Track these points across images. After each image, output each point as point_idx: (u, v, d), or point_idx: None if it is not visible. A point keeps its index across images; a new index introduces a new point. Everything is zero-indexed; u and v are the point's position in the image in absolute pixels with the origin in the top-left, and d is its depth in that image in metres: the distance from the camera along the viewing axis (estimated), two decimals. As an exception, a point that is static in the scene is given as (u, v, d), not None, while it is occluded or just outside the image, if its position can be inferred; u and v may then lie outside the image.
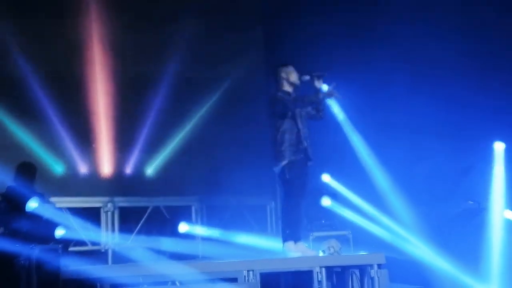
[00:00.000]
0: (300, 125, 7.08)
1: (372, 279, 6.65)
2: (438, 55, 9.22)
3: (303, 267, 6.55)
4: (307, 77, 7.24)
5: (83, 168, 9.07)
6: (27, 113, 8.57)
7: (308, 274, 6.49)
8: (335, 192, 9.22)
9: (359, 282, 6.92)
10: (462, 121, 9.10)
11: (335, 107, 9.16)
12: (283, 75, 7.24)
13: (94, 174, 9.11)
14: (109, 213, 8.83)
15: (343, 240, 8.32)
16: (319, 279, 6.45)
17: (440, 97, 9.18)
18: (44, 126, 8.68)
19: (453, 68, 9.22)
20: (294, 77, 7.24)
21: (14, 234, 6.64)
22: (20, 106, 8.56)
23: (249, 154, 9.58)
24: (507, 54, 9.15)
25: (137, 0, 9.53)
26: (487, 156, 9.34)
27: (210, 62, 9.84)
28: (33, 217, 7.14)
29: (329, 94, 7.18)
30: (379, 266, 6.67)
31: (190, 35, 9.59)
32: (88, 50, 9.01)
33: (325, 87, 7.24)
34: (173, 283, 6.36)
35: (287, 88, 7.24)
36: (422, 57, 9.20)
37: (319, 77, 7.20)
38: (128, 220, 9.05)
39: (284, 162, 7.03)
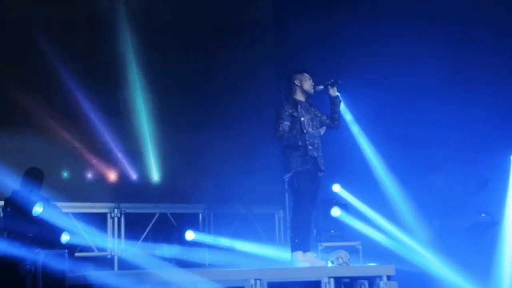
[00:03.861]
0: (308, 136, 6.98)
1: (381, 290, 6.57)
2: (455, 64, 9.16)
3: (311, 277, 6.49)
4: (321, 87, 7.17)
5: (90, 174, 9.02)
6: (32, 118, 8.52)
7: (316, 284, 6.43)
8: (345, 203, 9.14)
9: (367, 293, 6.85)
10: (478, 132, 9.04)
11: (348, 117, 9.11)
12: (297, 82, 7.16)
13: (101, 179, 9.07)
14: (116, 219, 8.78)
15: (352, 251, 8.25)
16: (328, 290, 6.38)
17: (456, 108, 9.11)
18: (51, 131, 8.63)
19: (470, 78, 9.16)
20: (308, 85, 7.15)
21: (20, 239, 6.58)
22: (31, 110, 8.53)
23: (258, 162, 9.54)
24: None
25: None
26: (503, 169, 9.26)
27: (220, 72, 9.79)
28: (39, 221, 7.09)
29: (326, 86, 7.10)
30: (389, 277, 6.62)
31: (200, 45, 9.59)
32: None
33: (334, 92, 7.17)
34: (179, 290, 6.30)
35: (299, 96, 7.15)
36: (439, 67, 9.14)
37: (332, 85, 7.13)
38: (134, 227, 8.99)
39: (290, 173, 6.97)
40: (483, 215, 9.21)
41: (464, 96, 9.14)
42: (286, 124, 6.97)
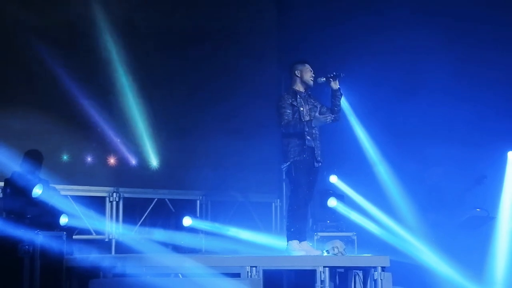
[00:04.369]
0: (315, 121, 7.00)
1: (375, 281, 6.62)
2: (455, 60, 9.19)
3: (307, 266, 6.53)
4: (322, 79, 7.14)
5: (89, 157, 9.04)
6: (36, 100, 8.54)
7: (311, 273, 6.47)
8: (342, 194, 9.20)
9: (361, 283, 6.91)
10: (476, 128, 9.08)
11: (346, 109, 9.14)
12: (297, 73, 7.17)
13: (100, 163, 9.09)
14: (114, 203, 8.83)
15: (347, 241, 8.31)
16: (322, 279, 6.42)
17: (455, 103, 9.15)
18: (53, 114, 8.63)
19: (470, 74, 9.20)
20: (308, 76, 7.14)
21: (18, 220, 6.63)
22: (32, 92, 8.54)
23: (256, 151, 9.57)
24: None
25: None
26: (499, 165, 9.31)
27: (220, 60, 9.80)
28: (38, 203, 7.13)
29: (328, 79, 7.10)
30: (383, 268, 6.65)
31: (200, 33, 9.60)
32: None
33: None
34: (176, 275, 6.35)
35: (299, 87, 7.16)
36: (439, 62, 9.17)
37: (334, 78, 7.12)
38: (132, 211, 9.05)
39: (288, 162, 7.00)
40: (478, 209, 9.26)
41: (463, 91, 9.18)
42: (289, 112, 7.00)
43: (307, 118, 7.04)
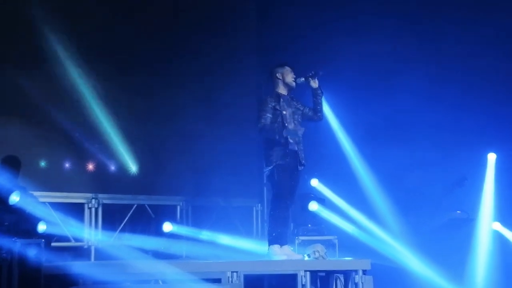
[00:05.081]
0: (287, 131, 6.99)
1: (356, 284, 6.64)
2: (436, 64, 9.25)
3: (288, 270, 6.55)
4: (302, 79, 7.16)
5: (68, 164, 8.95)
6: (12, 107, 8.44)
7: (292, 277, 6.47)
8: (322, 197, 9.19)
9: (343, 287, 6.91)
10: (456, 131, 9.15)
11: (327, 111, 9.13)
12: (278, 76, 7.17)
13: (79, 169, 9.00)
14: (93, 210, 8.74)
15: (328, 245, 8.29)
16: (303, 283, 6.45)
17: (436, 106, 9.21)
18: (29, 120, 8.54)
19: (451, 78, 9.27)
20: (289, 78, 7.15)
21: (-4, 227, 6.54)
22: (9, 100, 8.44)
23: (237, 155, 9.54)
24: (505, 65, 9.20)
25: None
26: (479, 167, 9.38)
27: (200, 64, 9.76)
28: (16, 210, 7.04)
29: (307, 78, 7.09)
30: (364, 272, 6.67)
31: (183, 37, 9.56)
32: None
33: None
34: (156, 282, 6.31)
35: (282, 90, 7.16)
36: (419, 65, 9.22)
37: (313, 77, 7.13)
38: (112, 218, 8.96)
39: (271, 166, 6.98)
40: (458, 212, 9.32)
41: (444, 94, 9.24)
42: (268, 116, 6.98)
43: (290, 121, 7.03)
